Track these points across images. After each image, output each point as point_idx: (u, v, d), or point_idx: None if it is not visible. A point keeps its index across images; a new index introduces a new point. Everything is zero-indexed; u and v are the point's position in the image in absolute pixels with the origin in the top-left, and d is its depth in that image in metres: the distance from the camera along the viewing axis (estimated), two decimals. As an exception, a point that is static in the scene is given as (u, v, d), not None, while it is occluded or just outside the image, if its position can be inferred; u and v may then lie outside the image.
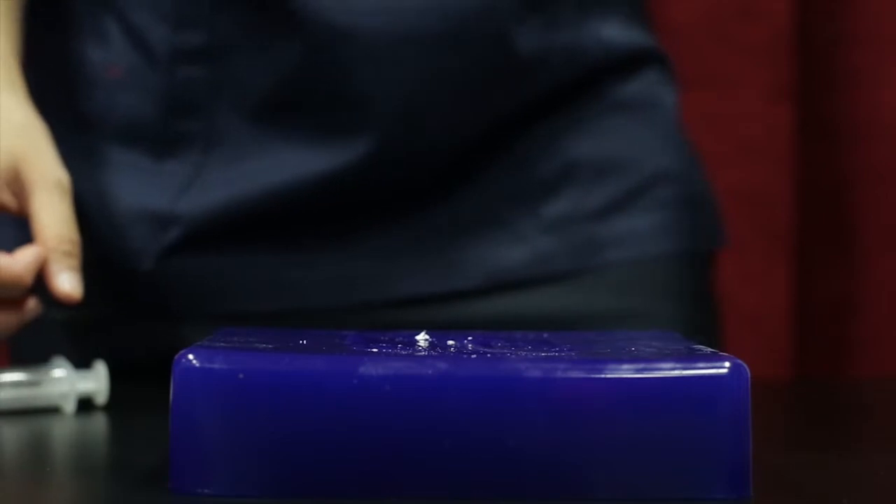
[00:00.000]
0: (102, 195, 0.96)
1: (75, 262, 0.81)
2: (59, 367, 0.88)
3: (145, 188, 0.97)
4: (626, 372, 0.62)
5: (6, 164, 0.81)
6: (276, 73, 0.95)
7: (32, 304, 0.81)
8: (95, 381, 0.88)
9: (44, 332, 1.04)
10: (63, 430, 0.84)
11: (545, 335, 0.71)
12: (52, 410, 0.87)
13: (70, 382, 0.87)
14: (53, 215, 0.81)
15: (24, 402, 0.87)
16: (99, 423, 0.86)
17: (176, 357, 0.62)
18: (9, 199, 0.81)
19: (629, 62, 0.93)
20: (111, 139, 0.97)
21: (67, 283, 0.80)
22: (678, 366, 0.62)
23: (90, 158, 0.97)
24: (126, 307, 0.92)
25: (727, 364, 0.62)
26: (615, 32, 0.96)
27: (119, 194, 0.96)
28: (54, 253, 0.80)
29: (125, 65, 0.95)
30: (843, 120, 1.52)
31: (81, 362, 0.90)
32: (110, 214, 0.96)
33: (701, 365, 0.62)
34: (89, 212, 1.00)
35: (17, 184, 0.81)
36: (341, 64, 0.93)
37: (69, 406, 0.87)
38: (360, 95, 0.92)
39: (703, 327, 0.72)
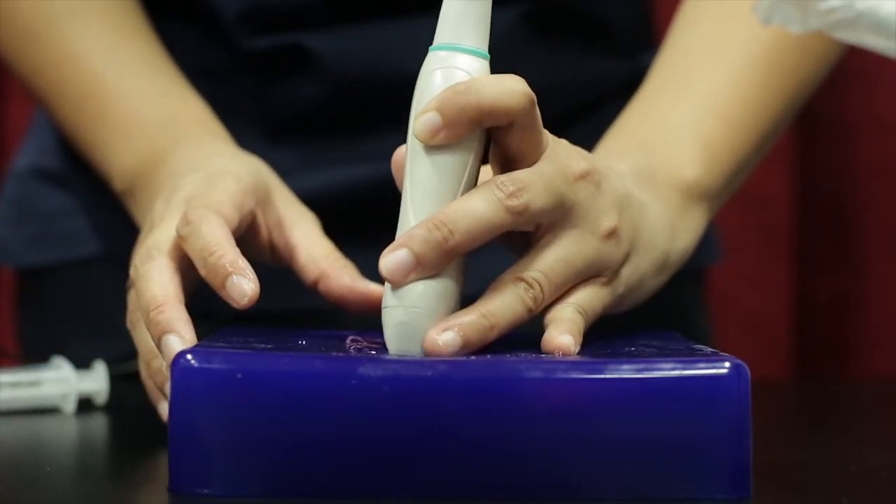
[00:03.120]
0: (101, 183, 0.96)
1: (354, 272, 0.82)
2: (59, 367, 0.88)
3: None
4: (627, 372, 0.62)
5: (262, 183, 0.82)
6: (299, 102, 0.96)
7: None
8: (95, 381, 0.88)
9: (47, 329, 1.05)
10: (63, 430, 0.84)
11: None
12: (52, 410, 0.87)
13: (70, 382, 0.87)
14: (323, 241, 0.82)
15: (24, 402, 0.87)
16: (99, 423, 0.86)
17: (175, 357, 0.62)
18: (260, 216, 0.81)
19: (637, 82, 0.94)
20: None
21: (362, 283, 0.80)
22: (678, 366, 0.62)
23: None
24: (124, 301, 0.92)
25: (727, 364, 0.62)
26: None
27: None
28: (338, 263, 0.81)
29: None
30: (842, 119, 1.52)
31: (83, 360, 0.90)
32: (109, 206, 0.96)
33: (701, 365, 0.62)
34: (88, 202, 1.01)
35: (269, 207, 0.82)
36: (361, 103, 0.95)
37: (69, 406, 0.87)
38: (376, 128, 0.94)
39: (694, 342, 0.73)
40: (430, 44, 0.69)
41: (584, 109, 0.99)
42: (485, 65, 0.68)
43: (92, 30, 0.93)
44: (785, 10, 0.59)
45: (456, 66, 0.68)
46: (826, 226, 1.54)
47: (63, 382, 0.87)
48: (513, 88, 0.67)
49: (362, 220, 0.93)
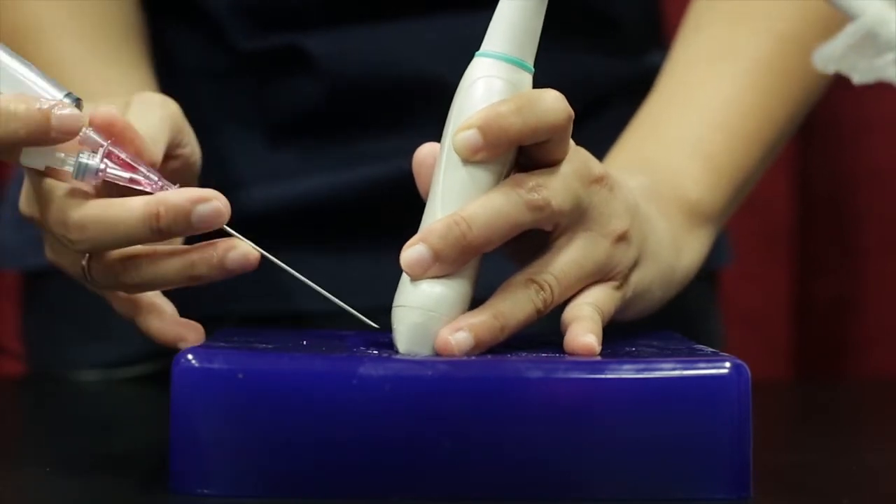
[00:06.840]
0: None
1: None
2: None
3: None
4: (627, 372, 0.62)
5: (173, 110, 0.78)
6: (298, 103, 0.96)
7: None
8: None
9: (50, 331, 1.05)
10: (63, 430, 0.84)
11: (545, 336, 0.71)
12: (51, 410, 0.87)
13: None
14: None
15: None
16: (99, 424, 0.86)
17: (175, 357, 0.62)
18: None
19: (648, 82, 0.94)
20: None
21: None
22: (679, 366, 0.62)
23: None
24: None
25: (727, 364, 0.62)
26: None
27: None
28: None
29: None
30: (842, 120, 1.52)
31: (85, 362, 0.90)
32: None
33: (701, 365, 0.62)
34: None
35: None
36: (359, 104, 0.95)
37: None
38: (375, 130, 0.94)
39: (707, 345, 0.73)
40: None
41: (589, 109, 0.99)
42: (529, 79, 0.68)
43: (71, 22, 0.92)
44: (852, 60, 0.58)
45: (501, 77, 0.67)
46: (825, 227, 1.54)
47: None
48: (555, 108, 0.67)
49: (363, 221, 0.93)
